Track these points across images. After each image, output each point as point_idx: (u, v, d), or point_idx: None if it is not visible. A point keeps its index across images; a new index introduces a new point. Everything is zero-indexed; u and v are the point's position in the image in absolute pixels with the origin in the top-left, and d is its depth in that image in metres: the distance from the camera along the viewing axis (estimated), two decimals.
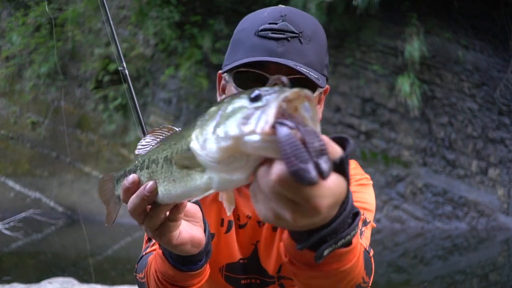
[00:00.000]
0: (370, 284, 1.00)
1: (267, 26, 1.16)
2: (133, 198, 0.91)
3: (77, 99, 12.97)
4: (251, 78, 1.16)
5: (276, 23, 1.16)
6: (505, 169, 9.81)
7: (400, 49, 10.08)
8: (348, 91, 10.50)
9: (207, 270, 1.12)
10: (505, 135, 9.90)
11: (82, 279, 6.31)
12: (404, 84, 9.81)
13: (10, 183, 12.97)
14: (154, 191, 0.88)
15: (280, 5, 1.23)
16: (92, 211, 11.55)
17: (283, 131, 0.62)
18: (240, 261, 1.32)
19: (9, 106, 13.74)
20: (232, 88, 1.21)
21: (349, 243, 0.79)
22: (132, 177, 0.93)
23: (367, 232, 1.16)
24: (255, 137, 0.64)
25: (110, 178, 1.10)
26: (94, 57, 12.42)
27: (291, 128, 0.62)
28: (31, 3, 13.30)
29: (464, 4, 10.09)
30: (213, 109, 0.75)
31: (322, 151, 0.61)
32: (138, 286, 1.25)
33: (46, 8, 12.57)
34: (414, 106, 9.82)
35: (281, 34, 1.15)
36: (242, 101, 0.69)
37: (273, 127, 0.63)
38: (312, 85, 1.16)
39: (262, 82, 1.13)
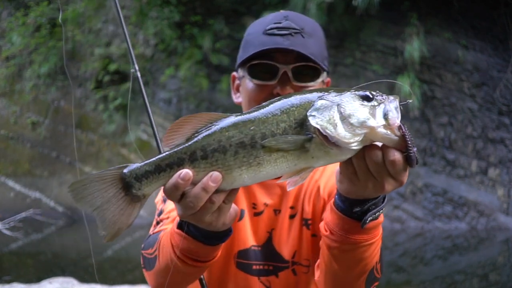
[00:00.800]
0: (380, 278, 1.20)
1: (273, 25, 1.34)
2: (196, 192, 0.94)
3: (77, 99, 12.97)
4: (263, 69, 1.32)
5: (280, 23, 1.33)
6: (505, 169, 9.81)
7: (400, 49, 10.08)
8: None
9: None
10: (505, 135, 9.90)
11: (82, 279, 6.31)
12: (404, 84, 9.80)
13: (10, 183, 12.97)
14: (219, 180, 0.93)
15: (281, 10, 1.42)
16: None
17: (405, 128, 0.92)
18: (253, 247, 1.39)
19: (9, 106, 13.74)
20: (247, 81, 1.37)
21: (377, 217, 1.05)
22: (185, 172, 0.93)
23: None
24: (386, 130, 0.91)
25: (102, 177, 0.97)
26: (94, 57, 12.42)
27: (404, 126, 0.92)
28: (31, 3, 13.30)
29: (464, 4, 10.09)
30: (319, 100, 0.94)
31: (414, 144, 0.92)
32: (143, 263, 1.28)
33: (60, 13, 12.57)
34: (414, 106, 9.82)
35: (285, 30, 1.31)
36: (355, 98, 0.95)
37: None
38: (314, 73, 1.34)
39: (273, 71, 1.31)
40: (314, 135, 0.92)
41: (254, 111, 0.96)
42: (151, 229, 1.37)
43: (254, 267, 1.38)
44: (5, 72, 13.65)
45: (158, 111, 11.71)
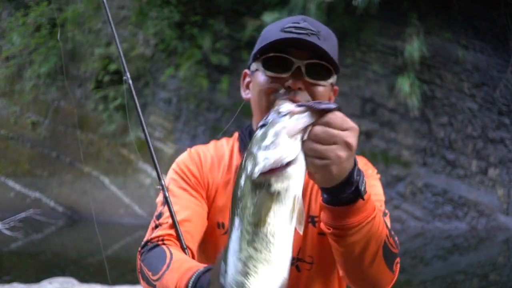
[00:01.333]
0: (398, 252, 1.21)
1: (291, 24, 1.35)
2: None
3: (77, 99, 12.97)
4: (278, 63, 1.34)
5: (298, 23, 1.36)
6: (505, 169, 9.81)
7: (400, 49, 10.08)
8: (348, 91, 10.50)
9: None
10: (505, 135, 9.90)
11: (83, 279, 6.32)
12: (404, 84, 9.81)
13: (10, 183, 12.97)
14: None
15: (298, 15, 1.45)
16: (92, 210, 11.56)
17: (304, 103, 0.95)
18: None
19: (9, 106, 13.73)
20: (259, 74, 1.38)
21: (365, 193, 1.05)
22: None
23: (388, 221, 1.29)
24: (293, 119, 0.92)
25: None
26: (94, 57, 12.42)
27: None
28: (31, 3, 13.30)
29: (464, 4, 10.09)
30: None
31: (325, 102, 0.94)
32: (142, 277, 1.28)
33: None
34: (414, 106, 9.82)
35: (303, 30, 1.33)
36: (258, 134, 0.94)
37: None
38: (326, 72, 1.36)
39: (287, 65, 1.32)
40: (263, 179, 0.89)
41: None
42: (149, 232, 1.36)
43: None
44: (5, 72, 13.64)
45: (158, 111, 11.71)
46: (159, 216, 1.38)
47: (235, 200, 0.94)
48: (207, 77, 11.11)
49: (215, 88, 11.09)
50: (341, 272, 1.26)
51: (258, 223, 0.90)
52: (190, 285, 1.13)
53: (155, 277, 1.24)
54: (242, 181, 0.92)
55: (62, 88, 13.11)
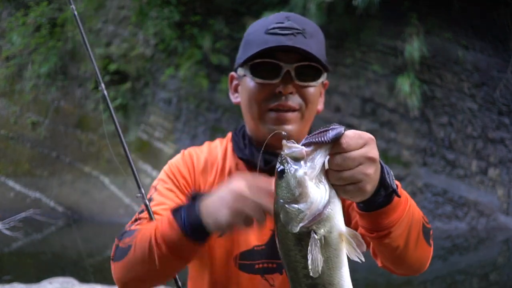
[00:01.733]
0: (431, 232, 1.23)
1: (275, 25, 1.33)
2: None
3: (77, 99, 12.97)
4: (266, 68, 1.31)
5: (282, 23, 1.33)
6: (505, 169, 9.81)
7: (400, 49, 10.07)
8: (348, 91, 10.50)
9: None
10: (505, 135, 9.89)
11: (82, 279, 6.31)
12: (404, 84, 9.80)
13: (10, 183, 12.97)
14: None
15: (281, 11, 1.43)
16: (92, 211, 11.57)
17: (309, 138, 0.90)
18: (255, 248, 1.38)
19: (9, 106, 13.73)
20: (248, 80, 1.36)
21: (396, 188, 1.04)
22: None
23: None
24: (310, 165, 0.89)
25: None
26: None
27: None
28: (31, 3, 13.29)
29: (464, 4, 10.08)
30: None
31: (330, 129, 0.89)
32: (114, 254, 1.28)
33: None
34: (414, 106, 9.82)
35: (288, 30, 1.31)
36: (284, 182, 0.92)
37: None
38: (316, 73, 1.35)
39: (276, 70, 1.30)
40: (305, 230, 0.89)
41: None
42: (128, 224, 1.36)
43: (256, 266, 1.38)
44: (5, 72, 13.64)
45: (158, 111, 11.71)
46: (141, 211, 1.38)
47: (284, 256, 0.94)
48: (207, 77, 11.10)
49: (215, 88, 11.08)
50: (381, 263, 1.26)
51: (313, 274, 0.89)
52: (183, 209, 1.15)
53: (128, 239, 1.24)
54: (284, 237, 0.92)
55: (62, 88, 13.11)
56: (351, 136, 0.91)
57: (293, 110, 1.34)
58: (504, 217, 9.63)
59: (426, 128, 10.16)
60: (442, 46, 10.23)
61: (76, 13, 1.60)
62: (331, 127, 0.90)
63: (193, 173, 1.43)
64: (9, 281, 6.43)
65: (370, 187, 0.94)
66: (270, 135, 1.11)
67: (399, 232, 1.08)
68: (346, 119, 10.43)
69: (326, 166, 0.91)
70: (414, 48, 9.76)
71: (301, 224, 0.88)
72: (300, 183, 0.88)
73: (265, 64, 1.31)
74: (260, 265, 1.37)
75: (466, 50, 10.18)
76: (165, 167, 1.47)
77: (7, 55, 13.72)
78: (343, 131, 0.89)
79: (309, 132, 1.43)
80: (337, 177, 0.90)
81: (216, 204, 1.09)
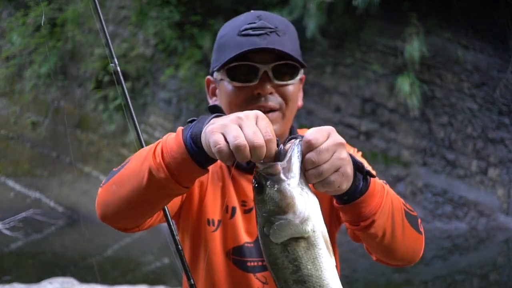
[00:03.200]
0: (418, 218, 1.26)
1: (247, 26, 1.34)
2: None
3: (77, 99, 12.97)
4: (243, 71, 1.31)
5: (254, 23, 1.34)
6: (505, 169, 9.81)
7: (400, 49, 10.07)
8: (348, 91, 10.50)
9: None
10: (505, 135, 9.89)
11: (82, 279, 6.32)
12: (404, 84, 9.81)
13: (10, 183, 12.97)
14: None
15: (252, 11, 1.45)
16: (92, 211, 11.52)
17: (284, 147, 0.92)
18: (246, 244, 1.39)
19: (9, 106, 13.74)
20: (225, 84, 1.35)
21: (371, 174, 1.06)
22: None
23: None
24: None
25: None
26: (94, 57, 12.42)
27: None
28: (31, 3, 13.30)
29: (464, 4, 10.08)
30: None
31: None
32: (105, 179, 1.19)
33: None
34: (414, 106, 9.82)
35: (260, 30, 1.31)
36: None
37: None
38: (293, 71, 1.34)
39: (253, 72, 1.30)
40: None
41: None
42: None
43: (249, 263, 1.39)
44: (5, 72, 13.65)
45: (158, 111, 11.71)
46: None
47: (272, 266, 0.93)
48: None
49: None
50: (375, 257, 1.26)
51: (300, 278, 0.89)
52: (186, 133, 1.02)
53: (123, 163, 1.16)
54: (271, 248, 0.91)
55: (62, 88, 13.12)
56: (315, 132, 0.93)
57: (274, 110, 1.34)
58: (504, 217, 9.63)
59: (426, 128, 10.16)
60: (442, 46, 10.23)
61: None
62: (292, 136, 0.93)
63: None
64: (9, 281, 6.43)
65: (350, 169, 0.96)
66: None
67: (383, 220, 1.09)
68: (346, 119, 10.43)
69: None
70: (414, 48, 9.76)
71: (291, 234, 0.88)
72: (285, 194, 0.88)
73: (241, 67, 1.31)
74: (252, 263, 1.38)
75: (466, 50, 10.18)
76: None
77: (7, 55, 13.72)
78: (301, 137, 0.91)
79: (291, 130, 1.44)
80: (317, 173, 0.91)
81: (217, 124, 0.95)
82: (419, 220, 1.24)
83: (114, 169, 1.20)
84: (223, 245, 1.39)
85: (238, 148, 0.87)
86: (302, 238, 0.88)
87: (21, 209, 9.08)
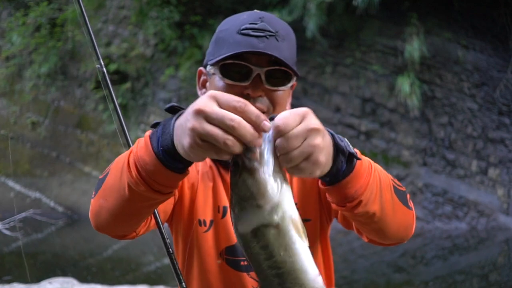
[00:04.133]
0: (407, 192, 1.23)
1: (248, 25, 1.34)
2: None
3: (77, 99, 12.98)
4: (236, 70, 1.31)
5: (256, 23, 1.34)
6: (505, 169, 9.81)
7: (400, 49, 10.08)
8: (348, 91, 10.50)
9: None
10: (505, 135, 9.90)
11: (83, 279, 6.32)
12: (404, 84, 9.81)
13: (10, 183, 12.97)
14: None
15: (255, 10, 1.44)
16: None
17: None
18: (237, 243, 1.37)
19: (9, 106, 13.74)
20: (217, 79, 1.35)
21: (353, 151, 1.02)
22: None
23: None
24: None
25: None
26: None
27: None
28: (31, 3, 13.30)
29: (464, 4, 10.09)
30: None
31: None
32: (95, 188, 1.20)
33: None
34: (414, 106, 9.82)
35: (261, 32, 1.31)
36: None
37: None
38: (285, 77, 1.33)
39: (246, 73, 1.30)
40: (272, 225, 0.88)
41: None
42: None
43: (242, 263, 1.39)
44: (5, 72, 13.65)
45: (158, 111, 11.71)
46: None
47: (245, 250, 0.92)
48: None
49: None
50: (366, 238, 1.24)
51: (275, 264, 0.89)
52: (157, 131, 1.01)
53: (106, 170, 1.15)
54: (242, 234, 0.90)
55: (62, 88, 13.12)
56: (287, 116, 0.87)
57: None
58: (504, 217, 9.63)
59: (426, 128, 10.17)
60: (442, 46, 10.23)
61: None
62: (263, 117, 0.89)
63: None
64: (9, 281, 6.43)
65: (323, 156, 0.91)
66: None
67: (371, 198, 1.06)
68: (346, 119, 10.43)
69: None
70: (414, 48, 9.77)
71: (261, 220, 0.87)
72: (257, 180, 0.87)
73: (235, 65, 1.31)
74: (245, 262, 1.38)
75: (466, 50, 10.18)
76: None
77: (7, 55, 13.72)
78: (268, 123, 0.86)
79: None
80: (287, 159, 0.88)
81: (182, 123, 0.93)
82: (408, 195, 1.21)
83: (100, 177, 1.20)
84: (215, 245, 1.39)
85: (237, 128, 0.86)
86: (272, 226, 0.87)
87: (21, 209, 9.08)
